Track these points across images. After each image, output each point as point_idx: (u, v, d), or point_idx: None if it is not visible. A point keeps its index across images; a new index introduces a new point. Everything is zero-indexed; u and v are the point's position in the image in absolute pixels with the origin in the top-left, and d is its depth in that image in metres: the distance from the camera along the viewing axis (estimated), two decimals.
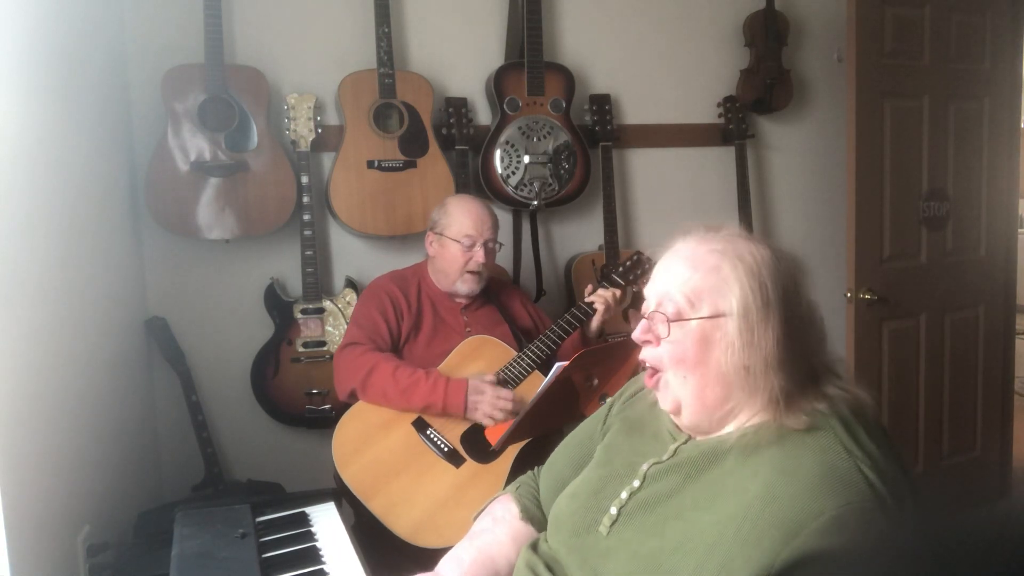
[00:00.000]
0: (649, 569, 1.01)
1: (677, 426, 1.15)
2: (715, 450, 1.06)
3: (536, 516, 1.32)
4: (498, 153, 2.60)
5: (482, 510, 1.38)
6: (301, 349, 2.49)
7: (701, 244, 1.08)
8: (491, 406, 1.97)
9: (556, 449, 1.39)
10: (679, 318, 1.05)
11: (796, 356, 1.03)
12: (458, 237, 2.15)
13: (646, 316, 1.10)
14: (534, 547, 1.21)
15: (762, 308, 1.02)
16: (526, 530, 1.30)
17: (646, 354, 1.10)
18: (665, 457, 1.11)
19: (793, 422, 1.02)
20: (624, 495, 1.11)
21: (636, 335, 1.10)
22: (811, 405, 1.03)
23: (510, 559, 1.26)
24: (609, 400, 1.34)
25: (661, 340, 1.07)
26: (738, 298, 1.03)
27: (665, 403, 1.10)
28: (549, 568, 1.15)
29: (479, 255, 2.15)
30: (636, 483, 1.11)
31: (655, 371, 1.10)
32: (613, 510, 1.11)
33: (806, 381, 1.05)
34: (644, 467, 1.12)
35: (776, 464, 0.99)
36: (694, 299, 1.05)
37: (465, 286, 2.18)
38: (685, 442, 1.12)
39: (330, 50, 2.57)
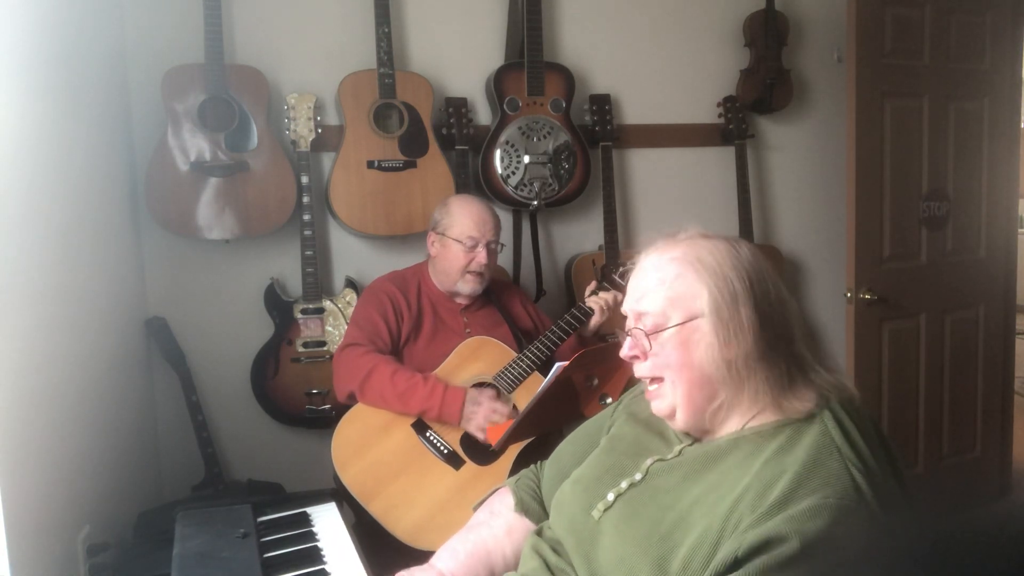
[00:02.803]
0: (638, 554, 1.03)
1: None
2: (718, 451, 1.08)
3: (532, 509, 1.34)
4: (498, 153, 2.60)
5: (482, 501, 1.40)
6: (301, 349, 2.49)
7: (662, 254, 1.12)
8: (485, 419, 1.96)
9: (564, 440, 1.41)
10: (656, 330, 1.09)
11: (777, 344, 1.06)
12: (460, 238, 2.15)
13: (629, 333, 1.14)
14: (539, 532, 1.24)
15: (731, 303, 1.06)
16: (521, 523, 1.32)
17: (639, 370, 1.14)
18: (670, 456, 1.14)
19: (788, 413, 1.05)
20: (624, 484, 1.14)
21: (624, 353, 1.14)
22: (802, 394, 1.06)
23: (505, 552, 1.29)
24: (620, 396, 1.36)
25: (647, 354, 1.11)
26: (706, 299, 1.06)
27: (660, 409, 1.13)
28: (554, 550, 1.18)
29: (481, 256, 2.15)
30: (638, 476, 1.14)
31: (653, 380, 1.13)
32: (610, 496, 1.13)
33: (792, 369, 1.07)
34: (648, 462, 1.15)
35: (769, 461, 1.01)
36: (666, 309, 1.09)
37: (467, 286, 2.18)
38: (691, 444, 1.14)
39: (330, 50, 2.57)
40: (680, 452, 1.13)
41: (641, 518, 1.07)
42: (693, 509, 1.03)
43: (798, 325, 1.10)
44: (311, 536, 1.51)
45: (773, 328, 1.07)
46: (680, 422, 1.11)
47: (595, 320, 2.18)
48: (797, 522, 0.91)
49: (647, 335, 1.10)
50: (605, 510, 1.12)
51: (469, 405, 1.97)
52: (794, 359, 1.08)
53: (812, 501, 0.93)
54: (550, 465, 1.39)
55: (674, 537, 1.01)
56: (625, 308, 1.16)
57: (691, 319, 1.07)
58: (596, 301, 2.18)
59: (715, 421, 1.11)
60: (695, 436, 1.14)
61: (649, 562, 1.01)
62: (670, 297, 1.08)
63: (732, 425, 1.10)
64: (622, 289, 2.23)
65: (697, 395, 1.08)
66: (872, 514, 0.94)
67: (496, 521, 1.33)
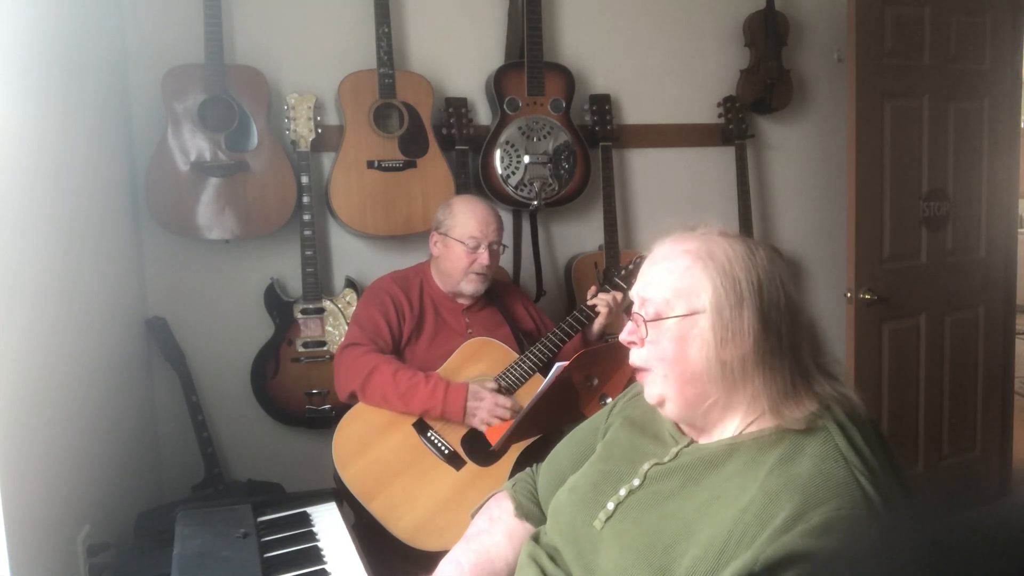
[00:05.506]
0: (640, 565, 1.02)
1: (679, 428, 1.16)
2: (716, 455, 1.07)
3: (532, 512, 1.34)
4: (498, 153, 2.60)
5: (479, 508, 1.39)
6: (301, 349, 2.49)
7: (676, 245, 1.11)
8: (489, 412, 1.97)
9: (558, 444, 1.40)
10: (657, 318, 1.08)
11: (779, 352, 1.04)
12: (463, 238, 2.15)
13: (631, 318, 1.13)
14: (536, 539, 1.23)
15: (735, 304, 1.03)
16: (522, 527, 1.32)
17: (633, 356, 1.13)
18: (666, 459, 1.13)
19: (786, 421, 1.03)
20: (623, 492, 1.13)
21: (623, 337, 1.13)
22: (803, 404, 1.04)
23: (508, 559, 1.28)
24: (615, 398, 1.35)
25: (644, 341, 1.10)
26: (710, 296, 1.05)
27: (650, 398, 1.12)
28: (551, 558, 1.17)
29: (483, 257, 2.14)
30: (636, 481, 1.13)
31: (641, 370, 1.13)
32: (610, 505, 1.12)
33: (795, 379, 1.05)
34: (645, 467, 1.13)
35: (774, 470, 1.00)
36: (671, 299, 1.07)
37: (469, 286, 2.18)
38: (687, 445, 1.13)
39: (330, 50, 2.57)
40: (677, 455, 1.12)
41: (642, 527, 1.06)
42: (696, 518, 1.02)
43: (807, 336, 1.08)
44: (311, 536, 1.51)
45: (778, 336, 1.04)
46: (670, 413, 1.11)
47: (600, 320, 2.18)
48: (814, 537, 0.90)
49: (646, 322, 1.09)
50: (607, 520, 1.11)
51: (472, 400, 1.97)
52: (799, 369, 1.06)
53: (825, 514, 0.92)
54: (545, 468, 1.38)
55: (677, 547, 1.00)
56: (633, 293, 1.15)
57: (692, 313, 1.06)
58: (601, 299, 2.18)
59: (708, 420, 1.09)
60: (690, 435, 1.13)
61: (651, 572, 1.00)
62: (676, 288, 1.07)
63: (729, 427, 1.09)
64: (624, 291, 2.24)
65: (688, 391, 1.07)
66: (881, 520, 0.93)
67: (496, 528, 1.33)
